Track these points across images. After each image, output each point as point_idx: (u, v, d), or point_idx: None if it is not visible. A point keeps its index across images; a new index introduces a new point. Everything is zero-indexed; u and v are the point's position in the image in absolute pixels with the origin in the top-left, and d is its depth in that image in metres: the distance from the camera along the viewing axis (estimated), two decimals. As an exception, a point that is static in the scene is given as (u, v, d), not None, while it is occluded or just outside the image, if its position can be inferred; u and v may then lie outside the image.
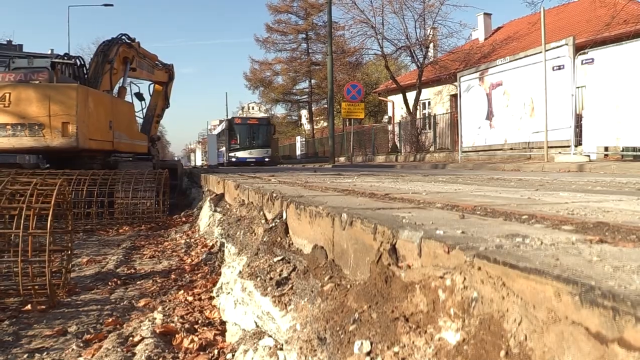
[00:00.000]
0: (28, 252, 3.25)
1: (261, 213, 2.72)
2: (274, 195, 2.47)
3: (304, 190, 2.75)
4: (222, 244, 4.06)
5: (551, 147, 11.55)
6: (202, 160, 40.84)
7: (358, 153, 28.07)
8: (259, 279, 1.96)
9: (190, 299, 3.33)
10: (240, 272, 2.11)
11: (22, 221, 3.20)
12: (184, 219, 7.53)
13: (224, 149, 32.77)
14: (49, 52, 50.72)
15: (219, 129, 39.48)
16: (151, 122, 13.61)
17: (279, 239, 2.16)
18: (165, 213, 7.59)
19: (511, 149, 14.11)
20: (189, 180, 12.34)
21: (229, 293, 2.54)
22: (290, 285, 1.74)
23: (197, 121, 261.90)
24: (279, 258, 2.03)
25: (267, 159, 30.21)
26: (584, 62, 9.96)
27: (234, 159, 30.05)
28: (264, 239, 2.22)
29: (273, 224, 2.29)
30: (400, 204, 1.82)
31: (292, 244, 2.11)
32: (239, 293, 2.05)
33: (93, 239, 6.34)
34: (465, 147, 15.30)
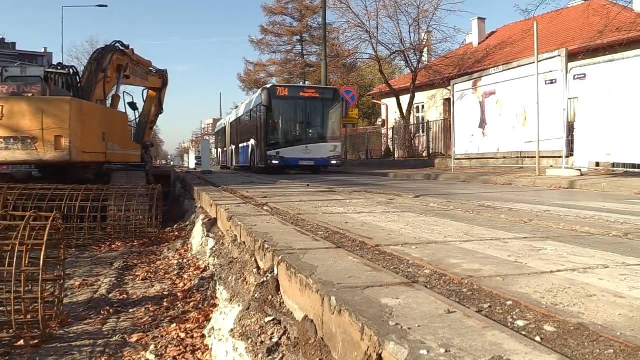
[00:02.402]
0: (21, 289, 3.26)
1: (253, 259, 2.75)
2: (265, 246, 2.50)
3: (295, 237, 2.78)
4: (214, 274, 4.08)
5: (543, 157, 11.63)
6: (195, 161, 35.90)
7: (352, 156, 28.09)
8: (250, 340, 1.99)
9: (182, 335, 3.35)
10: (231, 330, 2.14)
11: (15, 257, 3.21)
12: (176, 233, 7.53)
13: (251, 143, 19.70)
14: (42, 50, 50.53)
15: (236, 114, 25.48)
16: (144, 128, 13.59)
17: (270, 296, 2.20)
18: (158, 227, 7.58)
19: (504, 157, 14.19)
20: (182, 187, 12.31)
21: (220, 340, 2.57)
22: (281, 355, 1.78)
23: (190, 120, 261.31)
24: (270, 319, 2.06)
25: (334, 161, 18.13)
26: (576, 77, 10.03)
27: (275, 162, 17.39)
28: (256, 295, 2.25)
29: (265, 278, 2.32)
30: (389, 276, 1.85)
31: (284, 303, 2.14)
32: (231, 352, 2.08)
33: (85, 255, 6.33)
34: (458, 154, 15.38)
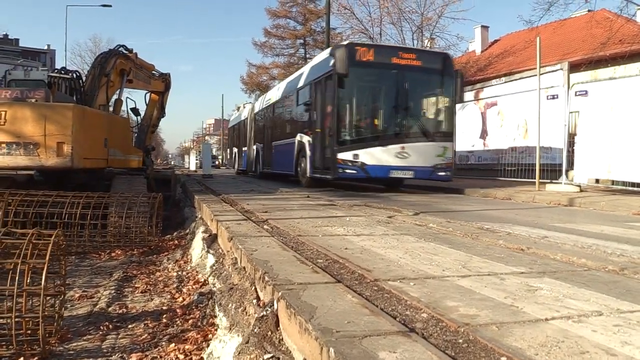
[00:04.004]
0: (22, 307, 3.29)
1: (253, 288, 2.79)
2: (266, 278, 2.54)
3: (295, 267, 2.82)
4: (213, 293, 4.11)
5: (543, 169, 11.67)
6: (196, 161, 35.09)
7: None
8: (248, 378, 2.03)
9: (181, 357, 3.38)
10: (230, 365, 2.17)
11: (17, 277, 3.24)
12: (176, 242, 7.56)
13: (297, 140, 13.41)
14: (45, 47, 50.51)
15: (264, 101, 19.25)
16: (146, 132, 13.66)
17: (270, 332, 2.23)
18: (158, 235, 7.62)
19: (504, 169, 14.26)
20: (182, 192, 12.35)
21: (218, 368, 2.60)
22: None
23: (192, 119, 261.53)
24: (269, 356, 2.10)
25: (443, 172, 11.32)
26: (577, 93, 10.09)
27: (351, 171, 10.86)
28: (255, 330, 2.29)
29: (264, 312, 2.35)
30: (387, 323, 1.89)
31: (282, 340, 2.18)
32: (229, 387, 2.12)
33: (85, 263, 6.36)
34: (459, 164, 15.46)
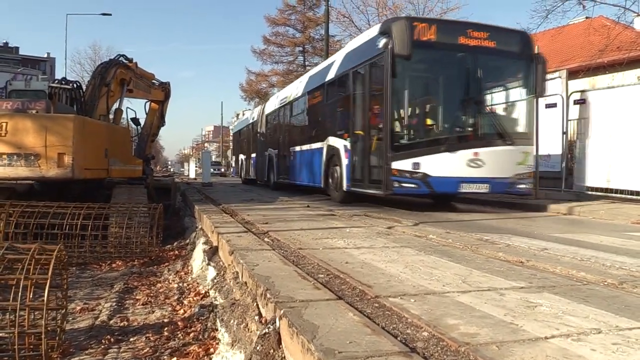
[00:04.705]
0: (25, 322, 3.31)
1: (255, 304, 2.81)
2: (267, 295, 2.57)
3: (296, 284, 2.84)
4: (215, 306, 4.13)
5: (542, 177, 11.69)
6: (196, 169, 34.90)
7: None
8: (251, 397, 2.05)
9: (182, 372, 3.40)
10: (233, 383, 2.19)
11: (19, 292, 3.26)
12: (177, 252, 7.57)
13: (327, 144, 10.92)
14: (45, 55, 50.69)
15: (281, 99, 16.31)
16: (146, 140, 13.71)
17: (272, 350, 2.25)
18: (158, 245, 7.63)
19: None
20: (182, 201, 12.38)
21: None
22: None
23: (191, 126, 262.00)
24: (271, 375, 2.12)
25: (523, 185, 8.60)
26: (576, 102, 10.14)
27: (410, 184, 8.09)
28: (258, 347, 2.31)
29: (267, 330, 2.38)
30: (388, 343, 1.91)
31: (285, 358, 2.20)
32: (232, 405, 2.14)
33: (86, 274, 6.37)
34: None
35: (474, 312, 2.39)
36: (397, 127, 8.55)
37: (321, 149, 11.22)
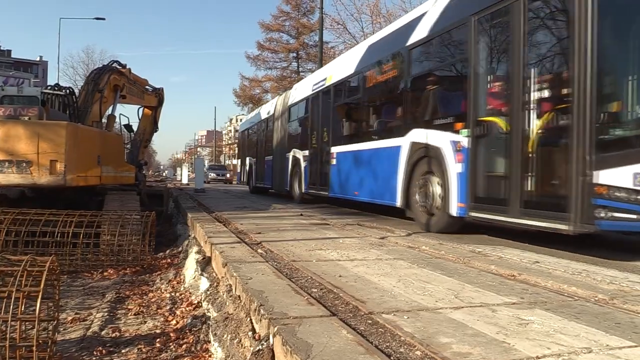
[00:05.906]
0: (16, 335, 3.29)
1: (248, 319, 2.82)
2: (261, 311, 2.57)
3: (290, 299, 2.85)
4: (207, 318, 4.12)
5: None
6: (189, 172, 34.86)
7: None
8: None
9: (175, 386, 3.39)
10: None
11: (11, 304, 3.25)
12: (169, 260, 7.54)
13: (451, 142, 6.28)
14: (38, 58, 50.45)
15: (315, 83, 12.29)
16: (139, 146, 13.68)
17: (265, 368, 2.26)
18: (150, 253, 7.60)
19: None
20: (175, 207, 12.35)
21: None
22: None
23: (183, 130, 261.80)
24: (265, 393, 2.12)
25: None
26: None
27: (628, 215, 4.32)
28: (251, 365, 2.32)
29: (260, 346, 2.38)
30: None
31: (278, 376, 2.21)
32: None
33: (77, 283, 6.33)
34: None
35: (467, 329, 2.41)
36: (609, 106, 4.87)
37: (398, 148, 7.77)
